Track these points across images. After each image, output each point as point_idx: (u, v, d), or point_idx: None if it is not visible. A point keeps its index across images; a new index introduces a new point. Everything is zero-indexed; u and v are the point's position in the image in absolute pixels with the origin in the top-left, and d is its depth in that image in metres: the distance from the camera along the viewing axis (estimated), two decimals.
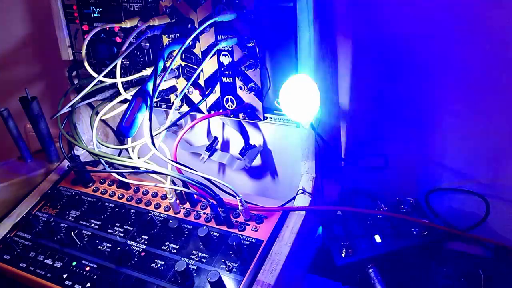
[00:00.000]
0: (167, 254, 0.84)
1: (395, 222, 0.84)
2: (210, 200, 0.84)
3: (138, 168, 0.88)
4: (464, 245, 0.90)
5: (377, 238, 0.83)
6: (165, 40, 0.91)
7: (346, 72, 0.97)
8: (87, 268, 0.85)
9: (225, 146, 1.10)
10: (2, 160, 1.12)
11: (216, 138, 1.06)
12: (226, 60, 0.86)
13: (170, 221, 0.85)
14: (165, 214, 0.91)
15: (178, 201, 0.91)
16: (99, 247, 0.87)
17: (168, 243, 0.85)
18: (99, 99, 0.98)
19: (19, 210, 0.99)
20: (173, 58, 0.82)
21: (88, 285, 0.82)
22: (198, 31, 0.77)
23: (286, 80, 0.77)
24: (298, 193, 0.85)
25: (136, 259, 0.84)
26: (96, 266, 0.85)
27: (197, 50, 0.89)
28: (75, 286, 0.83)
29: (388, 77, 0.95)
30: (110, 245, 0.88)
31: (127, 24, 0.88)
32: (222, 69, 0.86)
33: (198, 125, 1.09)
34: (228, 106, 0.90)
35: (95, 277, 0.83)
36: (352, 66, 0.96)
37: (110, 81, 0.92)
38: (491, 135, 0.90)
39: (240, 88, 0.87)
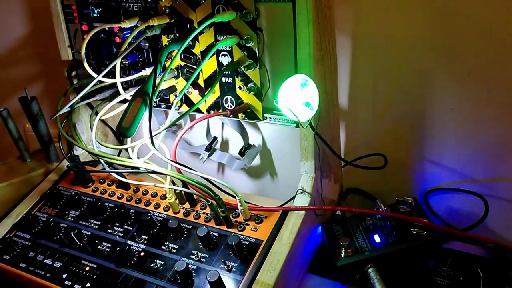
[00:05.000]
0: (167, 254, 0.84)
1: (394, 222, 0.84)
2: (210, 200, 0.84)
3: (137, 168, 0.88)
4: (464, 245, 0.90)
5: (377, 238, 0.83)
6: (165, 40, 0.91)
7: (346, 72, 0.97)
8: (87, 268, 0.85)
9: (225, 146, 1.11)
10: (1, 160, 1.12)
11: (215, 138, 1.06)
12: (225, 60, 0.86)
13: (170, 221, 0.85)
14: (164, 214, 0.91)
15: (177, 201, 0.91)
16: (99, 247, 0.87)
17: (167, 243, 0.85)
18: (99, 99, 0.98)
19: (19, 210, 0.99)
20: (172, 58, 0.82)
21: (88, 285, 0.82)
22: (197, 31, 0.78)
23: (285, 80, 0.77)
24: (298, 193, 0.85)
25: (135, 259, 0.84)
26: (95, 266, 0.85)
27: (197, 50, 0.89)
28: (74, 286, 0.83)
29: (387, 77, 0.95)
30: (109, 245, 0.88)
31: (127, 24, 0.88)
32: (222, 69, 0.86)
33: (198, 125, 1.09)
34: (228, 106, 0.90)
35: (94, 277, 0.83)
36: (352, 66, 0.96)
37: (109, 81, 0.92)
38: (490, 134, 0.90)
39: (240, 88, 0.87)
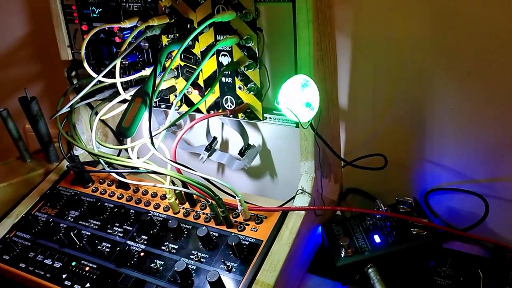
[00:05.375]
0: (167, 254, 0.84)
1: (394, 222, 0.84)
2: (210, 200, 0.84)
3: (137, 168, 0.88)
4: (463, 245, 0.90)
5: (377, 238, 0.83)
6: (164, 40, 0.91)
7: (346, 72, 0.97)
8: (87, 268, 0.85)
9: (224, 146, 1.11)
10: (1, 160, 1.12)
11: (215, 138, 1.06)
12: (225, 60, 0.86)
13: (170, 221, 0.85)
14: (164, 214, 0.91)
15: (177, 201, 0.91)
16: (99, 247, 0.87)
17: (167, 243, 0.85)
18: (99, 99, 0.98)
19: (19, 210, 0.99)
20: (172, 58, 0.82)
21: (88, 285, 0.82)
22: (197, 31, 0.77)
23: (285, 80, 0.77)
24: (298, 193, 0.85)
25: (135, 259, 0.84)
26: (95, 266, 0.85)
27: (196, 50, 0.89)
28: (74, 286, 0.83)
29: (387, 77, 0.95)
30: (109, 245, 0.88)
31: (127, 24, 0.88)
32: (222, 69, 0.86)
33: (197, 125, 1.09)
34: (228, 106, 0.90)
35: (94, 277, 0.83)
36: (352, 66, 0.96)
37: (109, 81, 0.92)
38: (490, 134, 0.90)
39: (240, 88, 0.87)
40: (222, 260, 0.79)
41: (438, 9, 0.84)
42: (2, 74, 1.39)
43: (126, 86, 0.97)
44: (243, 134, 1.02)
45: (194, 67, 0.90)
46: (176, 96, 0.95)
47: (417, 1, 0.85)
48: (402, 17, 0.88)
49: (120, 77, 0.89)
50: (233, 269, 0.78)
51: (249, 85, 0.85)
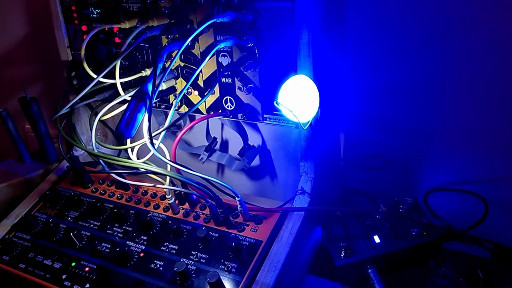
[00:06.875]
0: (166, 255, 0.84)
1: (394, 222, 0.84)
2: (209, 200, 0.84)
3: (137, 168, 0.88)
4: (463, 245, 0.90)
5: (376, 239, 0.83)
6: (164, 40, 0.91)
7: (346, 72, 0.97)
8: (86, 269, 0.85)
9: (224, 146, 1.10)
10: (1, 160, 1.12)
11: (215, 138, 1.06)
12: (225, 61, 0.86)
13: (169, 222, 0.85)
14: (164, 214, 0.91)
15: (177, 201, 0.91)
16: (98, 247, 0.87)
17: (167, 243, 0.85)
18: (98, 100, 0.98)
19: (18, 211, 0.99)
20: (172, 58, 0.82)
21: (87, 285, 0.82)
22: (197, 31, 0.77)
23: (285, 80, 0.77)
24: (297, 193, 0.85)
25: (135, 259, 0.84)
26: (95, 266, 0.85)
27: (196, 51, 0.89)
28: (74, 287, 0.83)
29: (387, 77, 0.95)
30: (109, 246, 0.88)
31: (126, 25, 0.88)
32: (221, 69, 0.86)
33: (197, 125, 1.09)
34: (227, 106, 0.90)
35: (94, 277, 0.83)
36: (352, 66, 0.96)
37: (109, 81, 0.92)
38: (490, 135, 0.90)
39: (239, 88, 0.87)
40: (222, 261, 0.79)
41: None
42: (2, 74, 1.39)
43: (126, 86, 0.97)
44: (243, 134, 1.02)
45: (194, 67, 0.90)
46: (175, 96, 0.95)
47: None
48: (401, 17, 0.88)
49: (120, 77, 0.89)
50: (233, 270, 0.78)
51: (248, 85, 0.85)
